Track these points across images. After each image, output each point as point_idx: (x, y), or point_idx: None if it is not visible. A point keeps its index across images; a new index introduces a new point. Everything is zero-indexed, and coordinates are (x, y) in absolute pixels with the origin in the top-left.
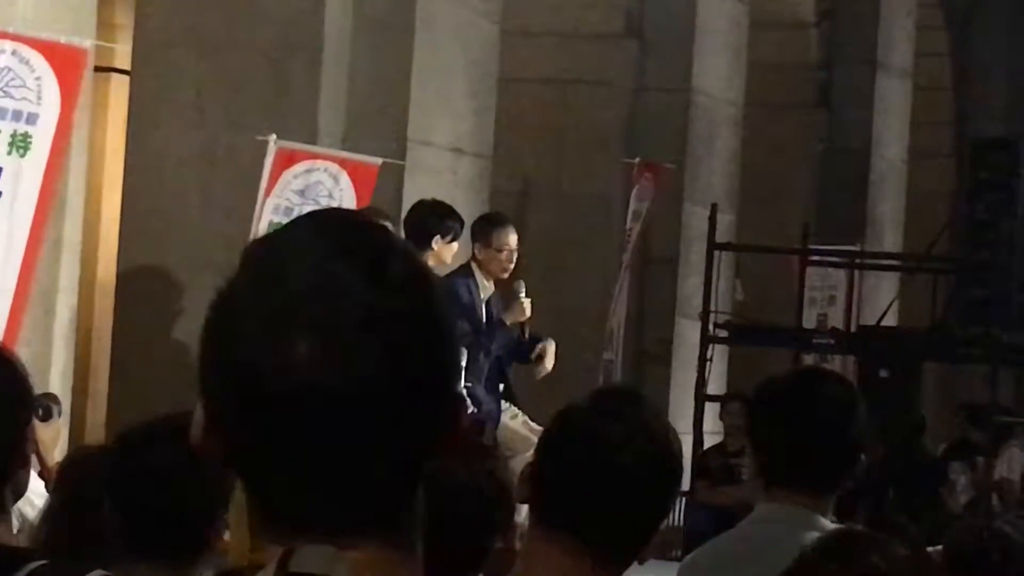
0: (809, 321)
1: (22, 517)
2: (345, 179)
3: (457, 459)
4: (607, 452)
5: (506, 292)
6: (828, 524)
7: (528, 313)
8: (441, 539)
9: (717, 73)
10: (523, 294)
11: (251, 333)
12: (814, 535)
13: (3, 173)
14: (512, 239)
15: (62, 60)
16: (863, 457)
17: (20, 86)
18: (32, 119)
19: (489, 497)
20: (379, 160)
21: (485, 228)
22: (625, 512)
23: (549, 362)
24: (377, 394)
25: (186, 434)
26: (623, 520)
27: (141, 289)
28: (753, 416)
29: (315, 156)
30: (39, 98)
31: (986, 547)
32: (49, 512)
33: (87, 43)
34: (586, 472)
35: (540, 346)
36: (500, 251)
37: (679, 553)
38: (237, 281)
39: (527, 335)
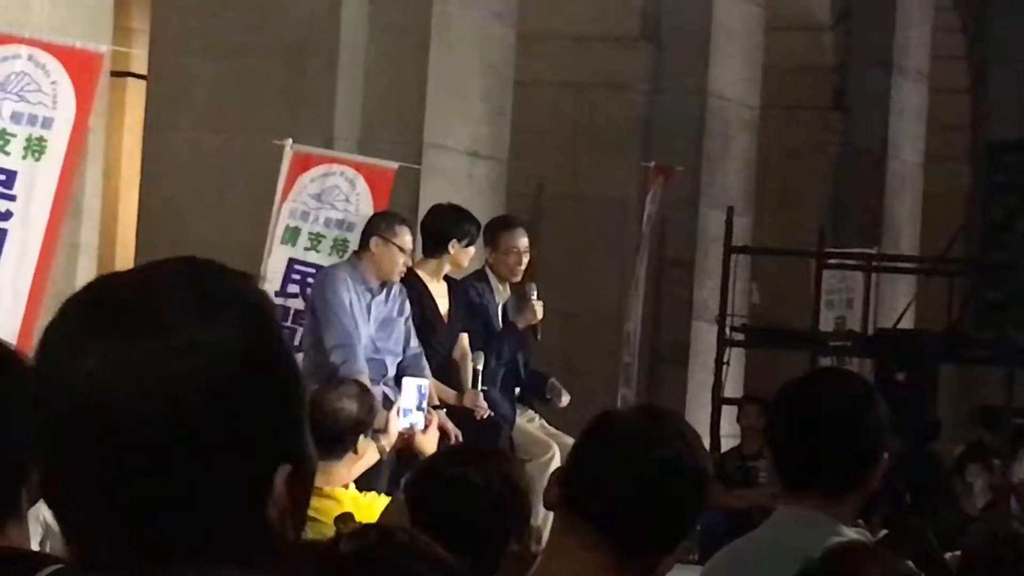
0: (826, 324)
1: (46, 524)
2: (361, 183)
3: (473, 463)
4: (644, 449)
5: (518, 295)
6: (843, 529)
7: (540, 315)
8: (456, 542)
9: (733, 76)
10: (535, 296)
11: (59, 356)
12: (830, 540)
13: (18, 177)
14: (521, 241)
15: (78, 64)
16: (885, 457)
17: (36, 90)
18: (47, 123)
19: (504, 500)
20: (395, 164)
21: (494, 231)
22: (654, 512)
23: (565, 397)
24: (185, 429)
25: None
26: (651, 520)
27: None
28: (770, 418)
29: (331, 160)
30: (54, 102)
31: (1001, 548)
32: None
33: (103, 47)
34: (621, 468)
35: (551, 384)
36: (508, 254)
37: (696, 557)
38: (69, 301)
39: (539, 335)
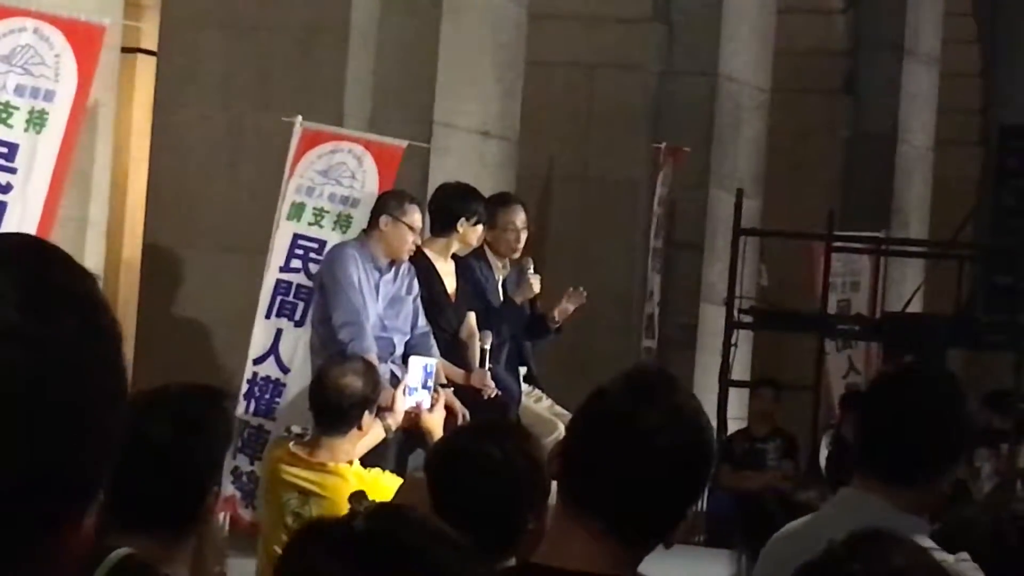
0: (831, 307)
1: None
2: (369, 160)
3: (493, 438)
4: (640, 436)
5: (517, 270)
6: (898, 516)
7: (537, 289)
8: (476, 518)
9: (744, 58)
10: (532, 271)
11: None
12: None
13: (19, 150)
14: (519, 218)
15: (81, 37)
16: (961, 456)
17: (39, 63)
18: (49, 96)
19: (524, 476)
20: (404, 142)
21: (491, 209)
22: (655, 496)
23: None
24: (10, 416)
25: (175, 407)
26: (652, 504)
27: (166, 269)
28: (863, 406)
29: (340, 137)
30: (57, 75)
31: (1004, 530)
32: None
33: (106, 20)
34: (617, 455)
35: (557, 309)
36: (506, 230)
37: (702, 538)
38: None
39: (539, 310)
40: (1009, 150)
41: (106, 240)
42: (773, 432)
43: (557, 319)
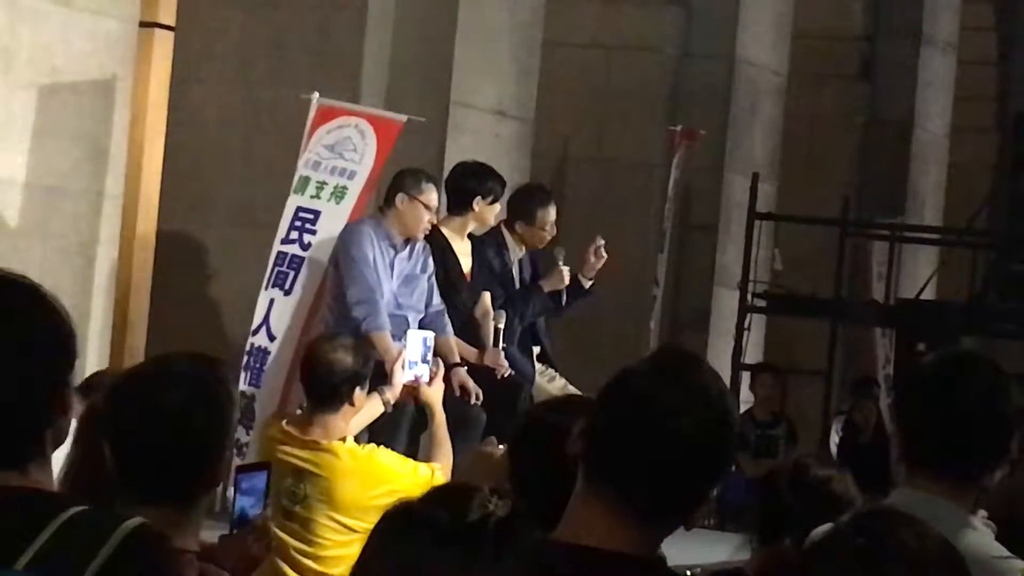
0: (878, 295)
1: None
2: (371, 134)
3: (575, 411)
4: (663, 417)
5: (546, 259)
6: (973, 520)
7: (567, 281)
8: (559, 491)
9: (761, 41)
10: (562, 261)
11: None
12: (962, 532)
13: None
14: (554, 213)
15: None
16: (1014, 449)
17: None
18: None
19: None
20: (404, 117)
21: (527, 206)
22: (677, 478)
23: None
24: None
25: (185, 375)
26: (674, 485)
27: (181, 244)
28: (900, 399)
29: (349, 112)
30: None
31: (1016, 511)
32: (71, 463)
33: None
34: (641, 436)
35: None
36: (544, 228)
37: (712, 522)
38: None
39: (564, 302)
40: None
41: (121, 214)
42: (776, 417)
43: (588, 279)
